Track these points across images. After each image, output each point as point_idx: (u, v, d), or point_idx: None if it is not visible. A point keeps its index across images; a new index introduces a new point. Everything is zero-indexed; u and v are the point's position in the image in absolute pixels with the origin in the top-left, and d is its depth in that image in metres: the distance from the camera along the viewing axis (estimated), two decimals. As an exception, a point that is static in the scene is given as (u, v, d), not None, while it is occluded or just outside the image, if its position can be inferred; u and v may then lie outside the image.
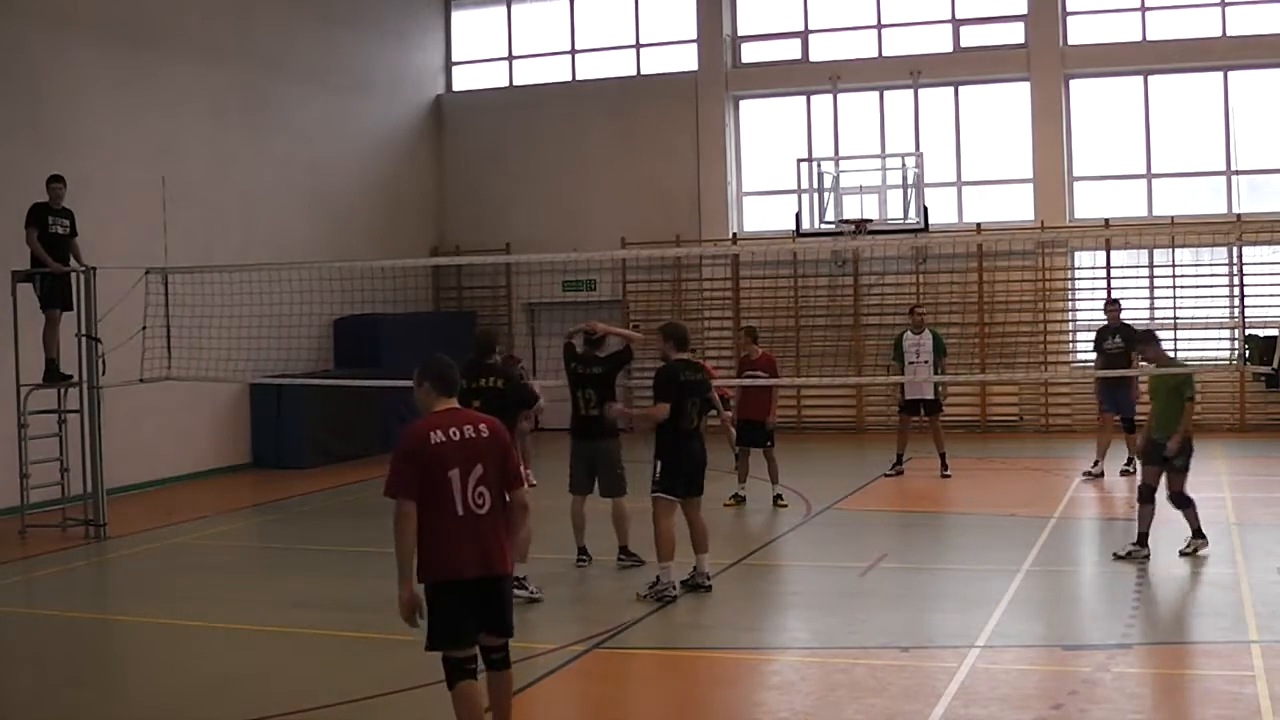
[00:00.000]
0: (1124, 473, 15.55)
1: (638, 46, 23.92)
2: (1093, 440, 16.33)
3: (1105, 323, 16.17)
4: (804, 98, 22.95)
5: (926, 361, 16.36)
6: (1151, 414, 11.24)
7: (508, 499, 6.40)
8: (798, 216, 21.15)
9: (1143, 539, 11.06)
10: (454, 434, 6.26)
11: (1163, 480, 11.04)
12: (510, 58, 24.78)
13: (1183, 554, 11.09)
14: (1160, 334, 11.89)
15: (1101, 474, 15.83)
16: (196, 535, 14.17)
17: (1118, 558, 11.06)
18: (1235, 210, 20.71)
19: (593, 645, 8.86)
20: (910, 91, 22.25)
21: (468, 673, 6.30)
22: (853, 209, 20.81)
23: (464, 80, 25.12)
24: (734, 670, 8.75)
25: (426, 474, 6.18)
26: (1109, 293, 20.88)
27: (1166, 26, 21.24)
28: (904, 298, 21.31)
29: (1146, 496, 11.08)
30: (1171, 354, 12.21)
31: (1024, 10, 21.77)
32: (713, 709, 7.94)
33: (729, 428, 16.11)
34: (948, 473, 16.51)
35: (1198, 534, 11.15)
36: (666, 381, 10.30)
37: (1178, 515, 11.17)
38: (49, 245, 13.83)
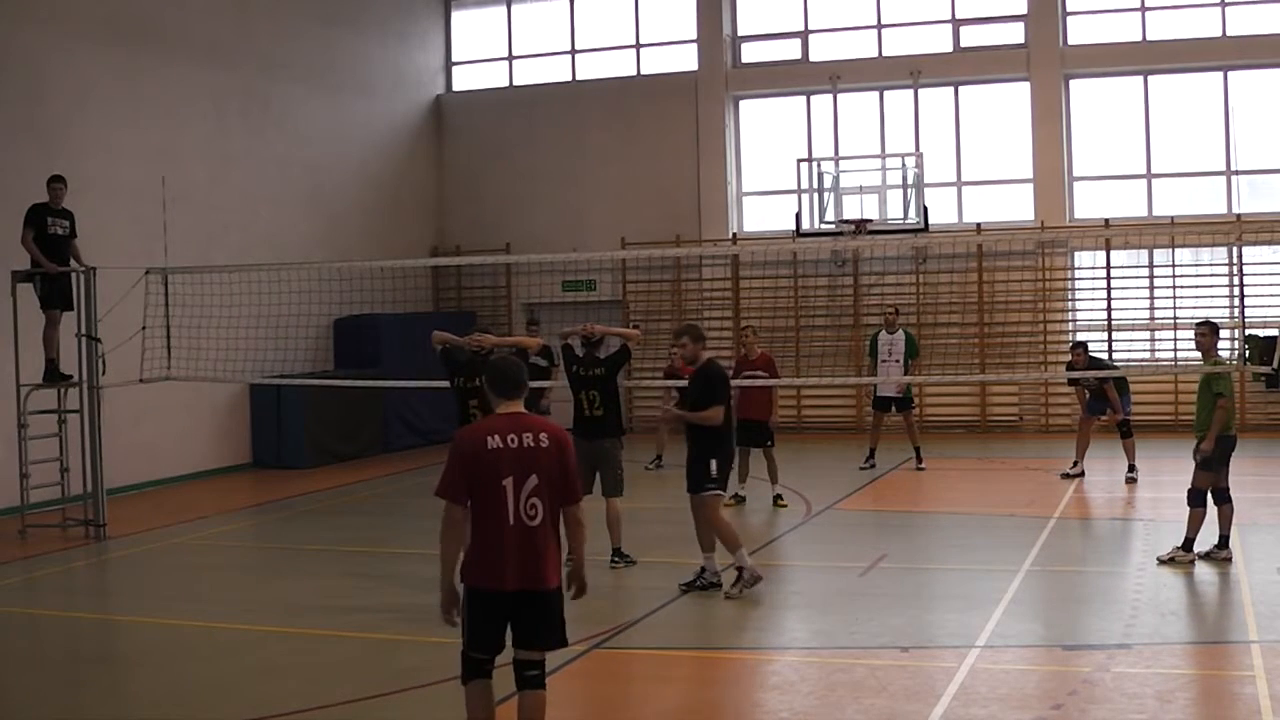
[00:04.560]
0: (1128, 480, 15.54)
1: (638, 46, 23.92)
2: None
3: (1072, 362, 15.79)
4: (804, 98, 22.94)
5: (898, 361, 17.04)
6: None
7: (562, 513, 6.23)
8: (798, 216, 21.16)
9: (1189, 544, 10.92)
10: (511, 441, 6.07)
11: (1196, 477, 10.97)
12: (510, 58, 24.79)
13: (1161, 561, 10.96)
14: (1160, 334, 11.81)
15: (1081, 474, 15.84)
16: (196, 535, 14.17)
17: (1162, 562, 10.93)
18: (1235, 210, 20.71)
19: (593, 645, 8.86)
20: (910, 91, 22.25)
21: (484, 672, 6.24)
22: (853, 209, 20.83)
23: (464, 80, 25.13)
24: (734, 670, 8.76)
25: (479, 480, 6.05)
26: (1109, 293, 20.96)
27: (1166, 26, 21.24)
28: (904, 298, 21.33)
29: (1196, 500, 10.94)
30: (1165, 351, 12.07)
31: (1024, 10, 21.77)
32: (713, 709, 7.94)
33: None
34: (922, 465, 17.13)
35: (1188, 545, 10.93)
36: (720, 382, 10.36)
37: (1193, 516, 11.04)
38: (48, 246, 13.82)
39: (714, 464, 10.25)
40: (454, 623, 6.17)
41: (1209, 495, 10.98)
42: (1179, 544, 10.99)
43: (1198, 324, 11.45)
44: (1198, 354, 11.58)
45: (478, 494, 6.08)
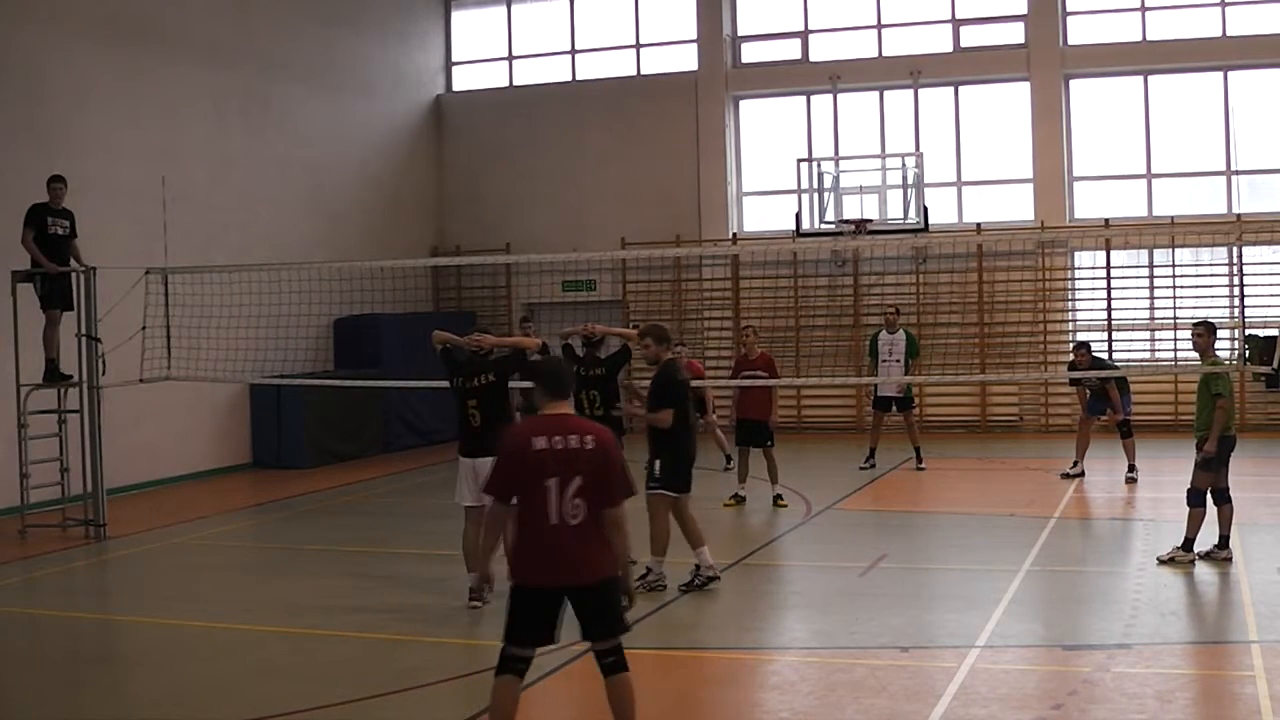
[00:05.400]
0: (1128, 480, 15.56)
1: (638, 46, 23.92)
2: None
3: (1075, 362, 15.76)
4: (804, 98, 22.94)
5: (898, 361, 17.08)
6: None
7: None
8: (798, 216, 21.15)
9: (1188, 544, 10.92)
10: (557, 442, 6.26)
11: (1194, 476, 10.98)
12: (510, 58, 24.79)
13: (1161, 561, 10.98)
14: (1160, 334, 11.78)
15: (1081, 474, 15.85)
16: (196, 535, 14.17)
17: (1161, 561, 10.95)
18: (1235, 210, 20.71)
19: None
20: (910, 91, 22.25)
21: (514, 670, 6.44)
22: (853, 209, 20.82)
23: (464, 80, 25.13)
24: (734, 670, 8.76)
25: (524, 479, 6.26)
26: (1109, 293, 20.97)
27: (1166, 26, 21.24)
28: (904, 298, 21.33)
29: (1195, 500, 10.94)
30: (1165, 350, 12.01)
31: (1024, 10, 21.77)
32: (713, 709, 7.94)
33: (714, 431, 16.60)
34: (921, 466, 17.17)
35: (1187, 545, 10.94)
36: (668, 385, 10.37)
37: (1193, 517, 11.04)
38: (48, 246, 13.81)
39: (658, 464, 10.36)
40: (483, 600, 6.45)
41: (1208, 495, 10.98)
42: (1179, 544, 10.99)
43: (1194, 324, 11.45)
44: (1196, 355, 11.56)
45: (522, 493, 6.28)
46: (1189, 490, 11.02)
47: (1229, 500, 11.00)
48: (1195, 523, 10.93)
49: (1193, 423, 11.17)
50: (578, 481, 6.23)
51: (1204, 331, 11.25)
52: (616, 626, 6.45)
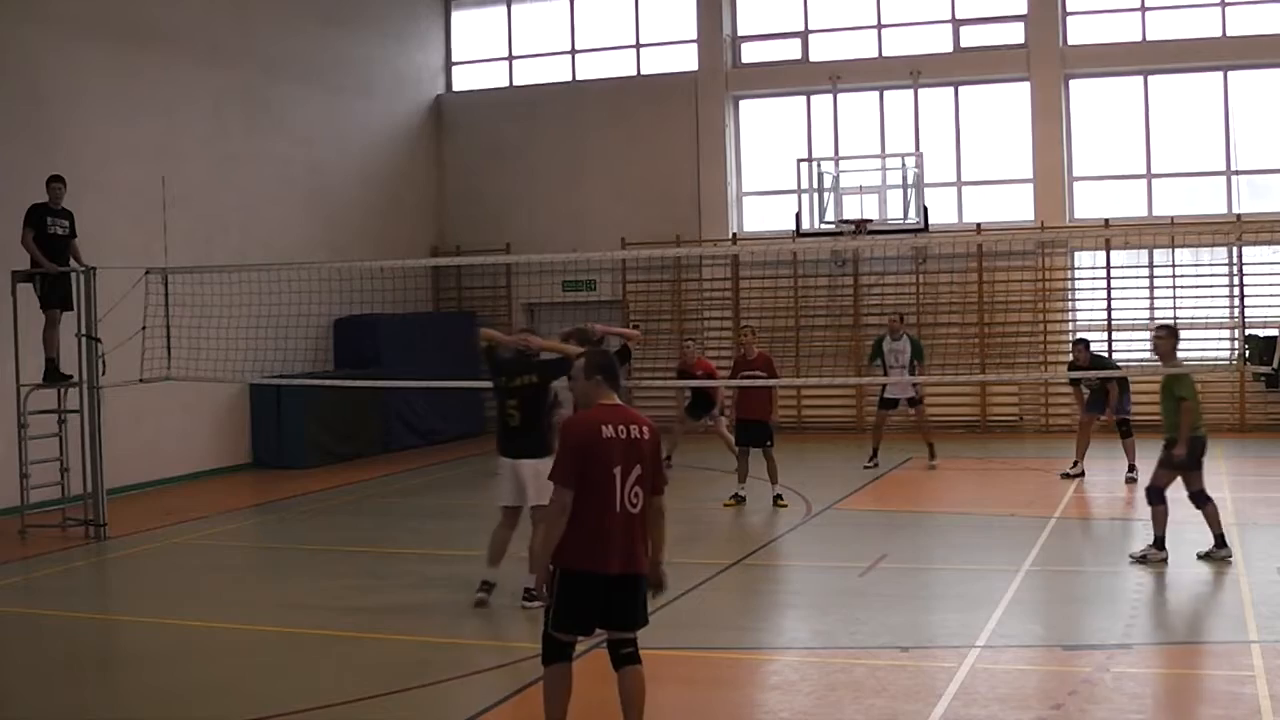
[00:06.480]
0: (1128, 480, 15.55)
1: (638, 46, 23.92)
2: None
3: (1073, 360, 15.89)
4: (804, 98, 22.94)
5: (904, 367, 17.22)
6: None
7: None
8: (798, 216, 21.16)
9: (1159, 541, 10.96)
10: (622, 432, 6.45)
11: (1177, 480, 10.97)
12: (510, 58, 24.79)
13: (1133, 560, 11.01)
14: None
15: (1081, 474, 15.86)
16: (196, 535, 14.17)
17: (1134, 560, 10.99)
18: (1235, 210, 20.70)
19: (593, 645, 8.84)
20: (910, 91, 22.24)
21: (565, 656, 6.58)
22: (853, 209, 20.83)
23: (464, 80, 25.13)
24: (734, 670, 8.76)
25: (592, 467, 6.37)
26: (1109, 293, 20.97)
27: (1166, 26, 21.24)
28: (904, 298, 21.33)
29: (1155, 498, 10.98)
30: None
31: (1024, 10, 21.77)
32: (712, 709, 7.94)
33: (722, 431, 16.56)
34: (934, 463, 17.17)
35: (1159, 543, 10.94)
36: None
37: (1186, 517, 11.04)
38: (48, 246, 13.80)
39: None
40: (548, 601, 6.52)
41: (1172, 497, 10.99)
42: (1150, 543, 11.02)
43: (1156, 328, 11.47)
44: (1196, 354, 11.57)
45: (588, 481, 6.37)
46: (1148, 489, 11.09)
47: (1209, 500, 11.02)
48: (1160, 520, 10.97)
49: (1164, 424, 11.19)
50: (638, 470, 6.43)
51: (1165, 335, 11.33)
52: (643, 618, 6.60)
